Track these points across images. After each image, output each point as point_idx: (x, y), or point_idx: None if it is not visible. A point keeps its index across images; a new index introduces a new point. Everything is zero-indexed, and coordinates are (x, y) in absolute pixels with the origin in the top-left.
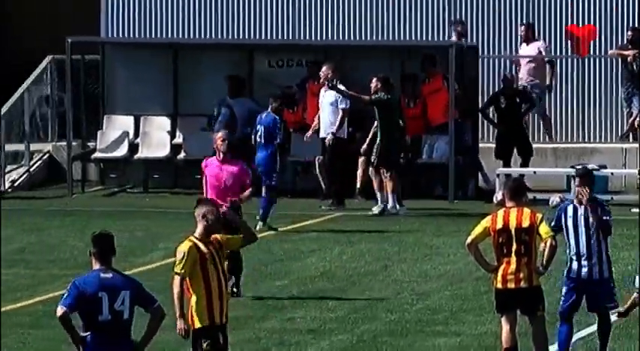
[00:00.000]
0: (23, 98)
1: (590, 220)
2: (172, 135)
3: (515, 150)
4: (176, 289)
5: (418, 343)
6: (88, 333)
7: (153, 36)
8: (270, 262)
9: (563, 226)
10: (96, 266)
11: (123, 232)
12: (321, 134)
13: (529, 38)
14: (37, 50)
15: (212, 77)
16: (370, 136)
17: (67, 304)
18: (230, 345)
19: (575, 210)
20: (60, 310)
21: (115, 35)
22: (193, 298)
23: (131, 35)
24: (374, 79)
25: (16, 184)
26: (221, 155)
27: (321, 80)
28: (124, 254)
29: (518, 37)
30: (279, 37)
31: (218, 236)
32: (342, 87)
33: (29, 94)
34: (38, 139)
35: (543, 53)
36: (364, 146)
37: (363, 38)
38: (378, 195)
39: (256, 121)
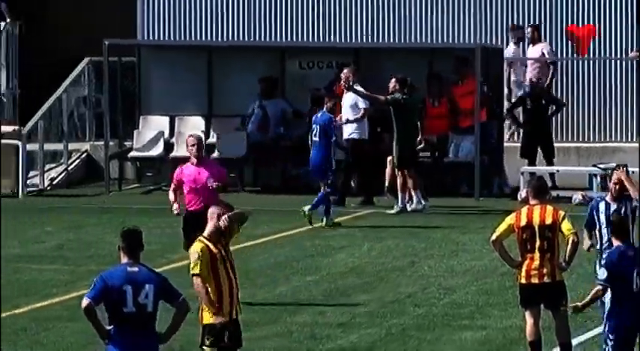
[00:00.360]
0: (62, 99)
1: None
2: (206, 135)
3: (539, 150)
4: (202, 290)
5: (445, 336)
6: (112, 327)
7: (188, 38)
8: (302, 257)
9: (597, 222)
10: (124, 260)
11: (158, 229)
12: (344, 136)
13: (535, 40)
14: (75, 53)
15: (245, 78)
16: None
17: (92, 296)
18: (262, 338)
19: (608, 206)
20: (84, 302)
21: (150, 38)
22: None
23: (166, 38)
24: (392, 80)
25: (54, 182)
26: (194, 159)
27: (342, 82)
28: (161, 251)
29: (525, 39)
30: (310, 39)
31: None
32: (359, 88)
33: (67, 95)
34: (76, 139)
35: (546, 55)
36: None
37: (392, 40)
38: (400, 195)
39: (312, 120)
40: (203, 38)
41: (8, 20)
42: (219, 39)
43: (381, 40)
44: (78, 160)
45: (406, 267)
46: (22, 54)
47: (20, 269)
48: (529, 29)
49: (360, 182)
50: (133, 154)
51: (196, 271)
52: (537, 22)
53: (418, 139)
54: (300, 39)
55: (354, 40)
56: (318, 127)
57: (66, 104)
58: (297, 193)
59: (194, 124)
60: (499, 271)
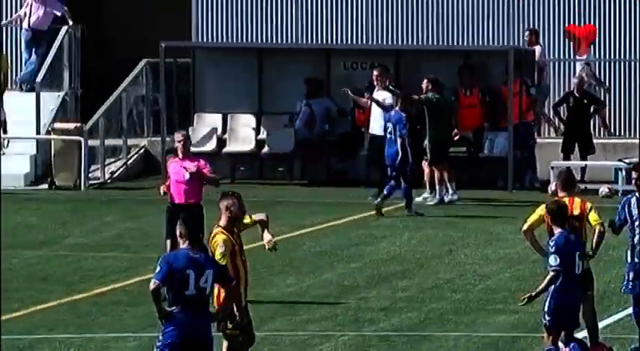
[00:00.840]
0: (121, 98)
1: None
2: (257, 131)
3: (577, 146)
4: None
5: (480, 320)
6: (174, 307)
7: (240, 41)
8: (346, 246)
9: (628, 216)
10: (184, 245)
11: (213, 220)
12: (371, 131)
13: (532, 42)
14: (133, 54)
15: (294, 78)
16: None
17: (159, 278)
18: (309, 322)
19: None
20: (152, 284)
21: (204, 40)
22: None
23: (219, 40)
24: (425, 80)
25: (114, 176)
26: (181, 155)
27: (374, 82)
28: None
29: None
30: (354, 41)
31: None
32: (392, 88)
33: (127, 94)
34: (135, 135)
35: (537, 56)
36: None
37: (432, 43)
38: (437, 188)
39: (385, 118)
40: (254, 40)
41: (70, 24)
42: (269, 41)
43: (419, 43)
44: (136, 155)
45: (444, 255)
46: (84, 56)
47: (82, 257)
48: (527, 33)
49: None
50: None
51: (224, 262)
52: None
53: (453, 132)
54: (344, 41)
55: (394, 43)
56: (391, 125)
57: (125, 103)
58: (342, 186)
59: (245, 122)
60: (530, 258)
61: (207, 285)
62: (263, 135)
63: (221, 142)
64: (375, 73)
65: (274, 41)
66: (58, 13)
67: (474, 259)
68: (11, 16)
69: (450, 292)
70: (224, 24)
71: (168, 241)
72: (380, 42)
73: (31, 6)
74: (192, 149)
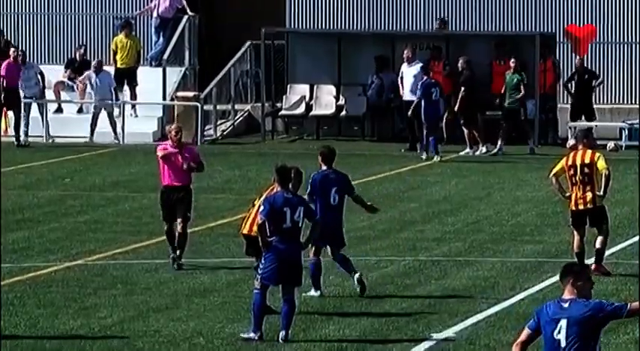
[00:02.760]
0: (230, 72)
1: None
2: (337, 98)
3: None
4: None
5: (512, 248)
6: (274, 238)
7: (324, 27)
8: (407, 189)
9: None
10: (278, 189)
11: (301, 168)
12: (404, 97)
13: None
14: (239, 37)
15: (365, 57)
16: (459, 101)
17: (264, 214)
18: (376, 250)
19: None
20: (260, 219)
21: (296, 26)
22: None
23: (308, 26)
24: (460, 60)
25: (224, 134)
26: (174, 143)
27: (404, 58)
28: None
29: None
30: (414, 28)
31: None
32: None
33: (234, 69)
34: (240, 102)
35: None
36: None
37: (475, 29)
38: (481, 144)
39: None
40: (335, 27)
41: (190, 13)
42: (347, 27)
43: (465, 29)
44: (241, 117)
45: (483, 197)
46: (201, 39)
47: (198, 198)
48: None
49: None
50: (282, 112)
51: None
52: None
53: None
54: (406, 28)
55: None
56: (435, 90)
57: (233, 76)
58: (404, 141)
59: (328, 91)
60: (553, 200)
61: (299, 219)
62: (342, 101)
63: (308, 107)
64: (409, 52)
65: (350, 27)
66: (179, 6)
67: (507, 200)
68: (143, 7)
69: (488, 226)
70: (311, 13)
71: (166, 224)
72: (432, 28)
73: None
74: (284, 113)
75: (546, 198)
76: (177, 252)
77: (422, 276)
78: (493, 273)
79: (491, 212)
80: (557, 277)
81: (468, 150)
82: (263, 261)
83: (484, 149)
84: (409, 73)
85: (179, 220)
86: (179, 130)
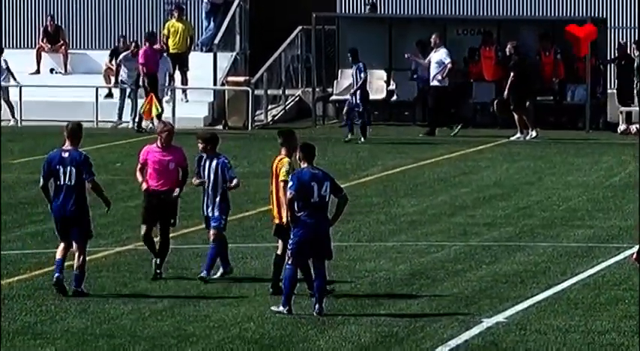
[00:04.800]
0: (280, 57)
1: None
2: (387, 83)
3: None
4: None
5: (563, 233)
6: (302, 212)
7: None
8: (458, 174)
9: None
10: (304, 165)
11: (352, 153)
12: (431, 83)
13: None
14: (290, 23)
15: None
16: (508, 87)
17: (294, 189)
18: (427, 234)
19: None
20: (289, 195)
21: (347, 11)
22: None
23: (358, 11)
24: (508, 45)
25: (275, 119)
26: (162, 144)
27: (432, 44)
28: (352, 169)
29: None
30: (465, 13)
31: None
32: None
33: (285, 54)
34: (291, 87)
35: None
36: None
37: (525, 13)
38: (531, 128)
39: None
40: (385, 11)
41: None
42: (397, 12)
43: (516, 13)
44: (292, 102)
45: (534, 181)
46: (251, 24)
47: (249, 183)
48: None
49: (434, 118)
50: (333, 97)
51: (287, 178)
52: None
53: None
54: (457, 12)
55: (496, 13)
56: None
57: (283, 61)
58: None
59: (378, 75)
60: (604, 185)
61: (326, 193)
62: (392, 86)
63: None
64: (436, 38)
65: (401, 12)
66: None
67: (558, 185)
68: None
69: (539, 211)
70: None
71: (144, 227)
72: (484, 13)
73: None
74: (335, 98)
75: (597, 183)
76: (158, 260)
77: (473, 261)
78: (544, 258)
79: (542, 197)
80: (608, 262)
81: (518, 135)
82: (292, 236)
83: (534, 134)
84: (435, 58)
85: (159, 227)
86: (170, 131)
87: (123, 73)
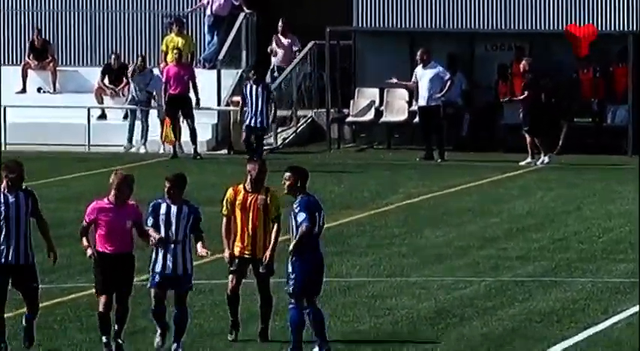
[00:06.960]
0: (292, 75)
1: None
2: (409, 104)
3: None
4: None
5: (603, 268)
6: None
7: (394, 25)
8: (487, 203)
9: None
10: (302, 195)
11: (371, 180)
12: (420, 103)
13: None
14: (301, 37)
15: (442, 57)
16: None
17: (308, 221)
18: (452, 269)
19: None
20: (306, 229)
21: (363, 25)
22: None
23: (377, 24)
24: (523, 61)
25: (285, 142)
26: (114, 200)
27: (417, 59)
28: (371, 197)
29: None
30: (494, 27)
31: None
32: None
33: (296, 71)
34: (303, 107)
35: None
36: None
37: (557, 28)
38: (543, 153)
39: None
40: (406, 25)
41: (246, 11)
42: (419, 26)
43: (549, 27)
44: (304, 124)
45: (572, 211)
46: (259, 38)
47: None
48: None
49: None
50: (349, 119)
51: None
52: None
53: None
54: (486, 26)
55: (529, 27)
56: None
57: (295, 79)
58: (482, 151)
59: (400, 95)
60: None
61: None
62: (415, 107)
63: (378, 113)
64: (420, 52)
65: (423, 26)
66: (236, 3)
67: (598, 215)
68: (195, 4)
69: (577, 243)
70: (381, 9)
71: (102, 297)
72: (515, 27)
73: None
74: (352, 119)
75: None
76: (116, 327)
77: (504, 298)
78: (583, 295)
79: (580, 228)
80: None
81: (529, 160)
82: (294, 273)
83: (546, 159)
84: (426, 76)
85: (116, 295)
86: (124, 181)
87: (133, 91)
